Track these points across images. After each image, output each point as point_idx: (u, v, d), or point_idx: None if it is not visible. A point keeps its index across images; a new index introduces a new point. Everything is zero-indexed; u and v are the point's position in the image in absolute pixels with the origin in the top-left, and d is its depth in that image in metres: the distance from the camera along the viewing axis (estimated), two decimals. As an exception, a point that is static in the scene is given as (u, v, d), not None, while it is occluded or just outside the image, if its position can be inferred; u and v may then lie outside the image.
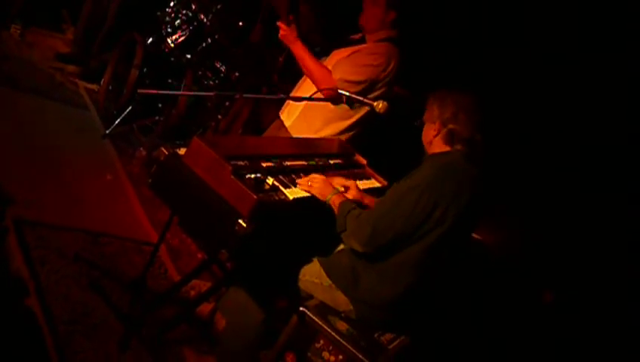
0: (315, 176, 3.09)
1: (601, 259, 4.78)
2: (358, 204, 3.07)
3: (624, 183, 4.79)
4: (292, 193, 2.87)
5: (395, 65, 3.77)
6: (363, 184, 3.51)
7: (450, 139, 2.92)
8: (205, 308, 3.70)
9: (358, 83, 3.69)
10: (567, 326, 4.73)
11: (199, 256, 4.35)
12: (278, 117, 4.10)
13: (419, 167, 2.95)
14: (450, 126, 2.90)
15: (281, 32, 3.79)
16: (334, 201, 2.95)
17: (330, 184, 3.06)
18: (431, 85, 3.17)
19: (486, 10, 5.51)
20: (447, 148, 2.94)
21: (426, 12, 4.78)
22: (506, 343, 4.69)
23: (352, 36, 4.01)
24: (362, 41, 3.92)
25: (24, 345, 2.87)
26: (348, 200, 2.98)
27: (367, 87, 3.72)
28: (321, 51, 4.05)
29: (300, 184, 3.04)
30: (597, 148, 4.92)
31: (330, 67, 3.80)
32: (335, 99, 3.68)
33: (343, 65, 3.75)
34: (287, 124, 3.97)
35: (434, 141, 2.97)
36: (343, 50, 3.90)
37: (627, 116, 4.86)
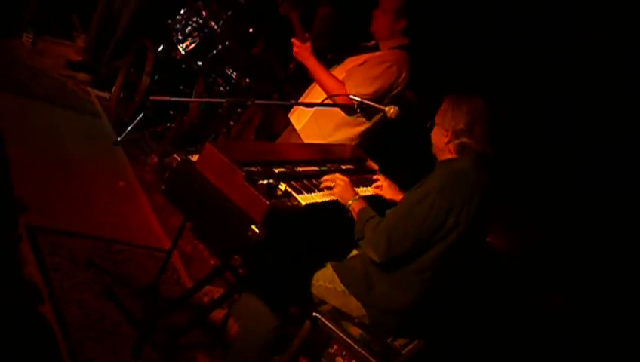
0: (339, 176, 3.10)
1: (611, 260, 4.77)
2: (391, 203, 3.09)
3: (634, 183, 4.78)
4: (304, 199, 2.87)
5: (407, 73, 3.81)
6: (374, 190, 3.51)
7: (460, 150, 2.91)
8: (218, 314, 3.70)
9: (372, 94, 3.70)
10: (577, 329, 4.72)
11: (212, 262, 4.35)
12: (289, 120, 4.12)
13: (430, 175, 2.95)
14: (464, 139, 2.88)
15: (295, 49, 3.82)
16: (354, 207, 2.96)
17: (352, 188, 3.07)
18: (438, 87, 3.17)
19: (487, 11, 5.52)
20: (457, 156, 2.93)
21: (432, 13, 4.78)
22: (516, 347, 4.68)
23: (366, 43, 4.02)
24: (376, 48, 3.93)
25: (38, 352, 2.88)
26: (367, 207, 2.97)
27: (381, 96, 3.74)
28: (332, 59, 4.06)
29: (323, 181, 3.06)
30: (608, 148, 4.91)
31: (343, 74, 3.82)
32: (348, 109, 3.70)
33: (356, 77, 3.76)
34: (297, 127, 3.99)
35: (445, 148, 2.96)
36: (356, 57, 3.93)
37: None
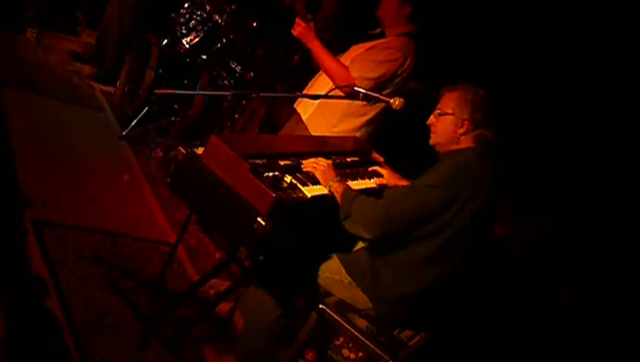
0: (321, 159, 3.08)
1: (620, 257, 4.75)
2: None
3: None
4: (310, 191, 2.87)
5: (412, 61, 3.79)
6: (379, 181, 3.50)
7: (479, 140, 2.90)
8: (224, 307, 3.70)
9: (376, 79, 3.69)
10: (582, 324, 4.71)
11: (217, 255, 4.35)
12: (295, 110, 4.11)
13: (435, 165, 2.94)
14: (482, 130, 2.89)
15: (298, 29, 3.78)
16: (337, 188, 2.93)
17: (334, 170, 3.04)
18: (446, 78, 3.16)
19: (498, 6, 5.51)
20: (471, 145, 2.92)
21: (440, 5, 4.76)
22: (522, 340, 4.68)
23: (371, 31, 4.01)
24: (381, 35, 3.92)
25: (45, 346, 2.88)
26: (350, 187, 2.96)
27: (385, 82, 3.73)
28: (337, 49, 4.05)
29: (304, 165, 3.04)
30: (622, 145, 4.89)
31: (347, 62, 3.81)
32: (352, 95, 3.68)
33: (361, 62, 3.76)
34: (303, 117, 3.99)
35: (457, 138, 2.93)
36: (360, 45, 3.92)
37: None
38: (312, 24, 3.78)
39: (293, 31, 3.81)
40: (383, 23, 3.92)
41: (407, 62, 3.78)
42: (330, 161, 3.10)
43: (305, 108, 4.02)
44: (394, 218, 2.77)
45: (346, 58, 3.89)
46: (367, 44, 3.88)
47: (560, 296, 4.86)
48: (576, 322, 4.72)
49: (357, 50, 3.91)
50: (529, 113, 5.13)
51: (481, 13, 5.59)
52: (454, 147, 2.96)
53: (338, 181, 2.97)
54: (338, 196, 2.91)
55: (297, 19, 3.78)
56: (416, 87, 4.40)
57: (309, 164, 3.05)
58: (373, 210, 2.79)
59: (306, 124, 3.97)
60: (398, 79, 3.79)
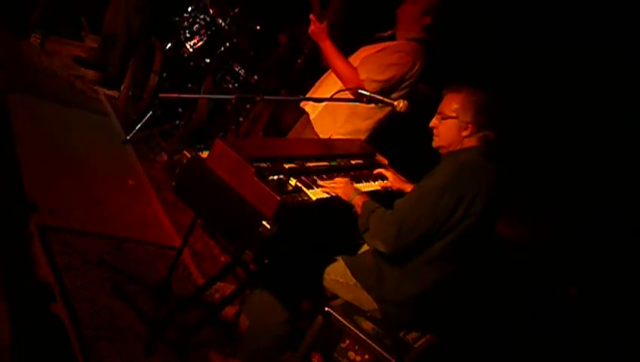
0: (338, 179, 3.10)
1: (621, 256, 4.75)
2: (399, 194, 3.09)
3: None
4: (315, 194, 2.88)
5: (421, 66, 3.80)
6: (384, 184, 3.50)
7: (484, 142, 2.90)
8: (230, 310, 3.70)
9: (384, 81, 3.70)
10: (589, 320, 4.71)
11: (222, 259, 4.36)
12: (302, 111, 4.12)
13: (438, 166, 2.95)
14: (486, 132, 2.89)
15: (312, 27, 3.78)
16: (357, 201, 2.94)
17: (352, 185, 3.06)
18: (447, 78, 3.15)
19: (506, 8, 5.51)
20: (475, 145, 2.92)
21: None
22: (528, 339, 4.68)
23: (381, 33, 4.01)
24: (392, 38, 3.92)
25: (51, 351, 2.88)
26: (370, 200, 2.96)
27: (394, 85, 3.73)
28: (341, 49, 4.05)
29: (323, 187, 3.03)
30: (622, 145, 4.89)
31: (356, 63, 3.81)
32: (357, 98, 3.68)
33: (370, 63, 3.76)
34: (311, 116, 4.00)
35: (461, 140, 2.94)
36: (371, 46, 3.92)
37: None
38: (325, 23, 3.78)
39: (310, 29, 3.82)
40: (399, 23, 3.92)
41: (416, 67, 3.78)
42: (347, 179, 3.12)
43: (313, 107, 4.02)
44: (405, 232, 2.76)
45: (355, 59, 3.89)
46: (378, 46, 3.88)
47: (562, 296, 4.86)
48: (578, 321, 4.72)
49: (367, 51, 3.91)
50: (529, 113, 5.13)
51: (482, 13, 5.59)
52: (458, 148, 2.96)
53: (359, 194, 2.99)
54: (359, 209, 2.92)
55: (312, 17, 3.78)
56: (424, 90, 4.40)
57: (328, 186, 3.05)
58: (387, 227, 2.78)
59: (313, 123, 3.97)
60: (405, 83, 3.79)
